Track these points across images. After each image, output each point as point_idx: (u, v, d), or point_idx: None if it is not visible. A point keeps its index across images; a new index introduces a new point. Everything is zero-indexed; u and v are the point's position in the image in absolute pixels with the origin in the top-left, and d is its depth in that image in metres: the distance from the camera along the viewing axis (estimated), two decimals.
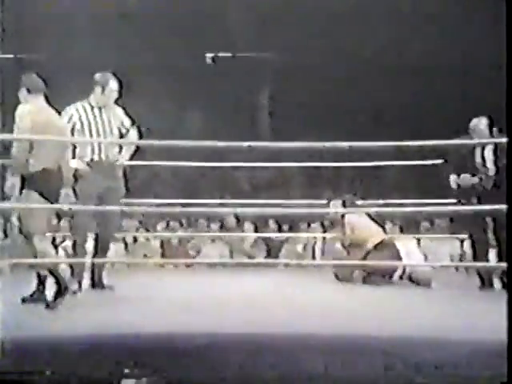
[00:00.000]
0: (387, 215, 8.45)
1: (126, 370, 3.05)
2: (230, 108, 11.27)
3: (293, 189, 10.85)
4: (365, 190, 9.30)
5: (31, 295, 4.46)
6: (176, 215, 9.46)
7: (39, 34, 9.67)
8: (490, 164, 5.33)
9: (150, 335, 3.27)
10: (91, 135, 5.25)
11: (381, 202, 6.99)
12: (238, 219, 9.27)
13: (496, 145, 5.28)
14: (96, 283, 5.27)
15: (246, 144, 4.91)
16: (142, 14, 10.09)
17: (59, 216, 8.80)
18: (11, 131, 4.37)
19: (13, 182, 4.30)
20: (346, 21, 10.05)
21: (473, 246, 5.50)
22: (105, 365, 3.07)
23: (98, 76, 5.33)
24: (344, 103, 10.75)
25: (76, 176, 5.19)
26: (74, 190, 5.06)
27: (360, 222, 6.48)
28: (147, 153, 7.46)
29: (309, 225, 9.27)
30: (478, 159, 5.39)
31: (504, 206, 3.46)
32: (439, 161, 6.89)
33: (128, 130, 5.39)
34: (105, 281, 5.29)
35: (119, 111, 5.40)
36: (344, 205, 6.55)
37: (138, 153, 5.60)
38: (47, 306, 4.14)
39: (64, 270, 6.50)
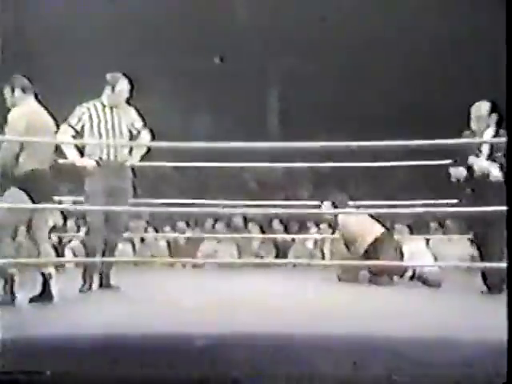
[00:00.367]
0: (396, 216, 8.42)
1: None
2: (238, 109, 11.28)
3: (301, 189, 10.86)
4: (373, 190, 9.28)
5: (39, 295, 4.47)
6: (183, 216, 9.48)
7: (48, 36, 9.70)
8: (484, 155, 5.26)
9: (155, 335, 3.27)
10: (100, 134, 5.27)
11: (389, 202, 6.95)
12: (246, 219, 9.27)
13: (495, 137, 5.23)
14: (103, 283, 5.28)
15: (254, 145, 4.93)
16: (151, 14, 10.12)
17: (65, 217, 8.85)
18: None
19: None
20: (354, 21, 10.04)
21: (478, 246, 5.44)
22: (106, 365, 3.07)
23: (108, 76, 5.36)
24: (353, 103, 10.74)
25: (85, 174, 5.26)
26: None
27: (353, 220, 6.42)
28: (155, 154, 7.49)
29: (317, 225, 9.26)
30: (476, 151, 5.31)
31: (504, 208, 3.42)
32: (448, 161, 6.86)
33: (139, 132, 5.41)
34: (112, 281, 5.30)
35: (132, 112, 5.41)
36: (334, 206, 6.51)
37: (147, 154, 5.61)
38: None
39: (71, 270, 6.56)
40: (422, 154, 6.93)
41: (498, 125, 5.24)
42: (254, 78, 11.16)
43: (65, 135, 5.27)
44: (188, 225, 9.48)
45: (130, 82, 5.39)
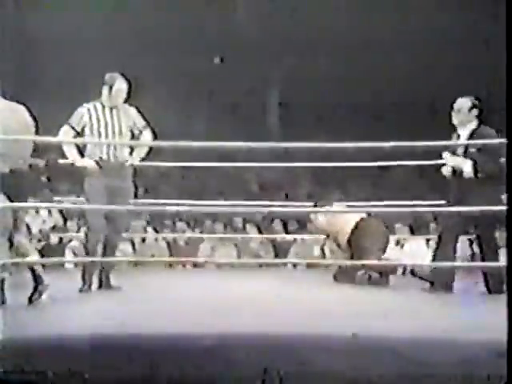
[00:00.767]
0: (397, 216, 8.43)
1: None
2: (238, 109, 11.29)
3: (301, 189, 10.85)
4: (373, 190, 9.28)
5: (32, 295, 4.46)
6: (183, 216, 9.48)
7: (48, 36, 9.71)
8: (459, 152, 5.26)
9: (156, 335, 3.26)
10: (100, 135, 5.27)
11: (389, 202, 6.95)
12: (245, 220, 9.27)
13: (474, 131, 5.23)
14: (103, 283, 5.28)
15: (252, 145, 4.93)
16: (152, 15, 10.12)
17: (65, 217, 8.87)
18: None
19: None
20: (354, 20, 10.05)
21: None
22: (106, 365, 3.07)
23: (106, 76, 5.37)
24: (353, 104, 10.75)
25: (85, 174, 5.27)
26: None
27: (324, 220, 6.43)
28: (156, 154, 7.49)
29: None
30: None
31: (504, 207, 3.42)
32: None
33: (141, 132, 5.41)
34: (112, 281, 5.30)
35: (132, 112, 5.40)
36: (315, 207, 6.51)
37: (148, 154, 5.60)
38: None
39: (71, 271, 6.57)
40: (422, 153, 6.95)
41: (479, 120, 5.26)
42: (254, 78, 11.16)
43: (66, 136, 5.28)
44: (188, 225, 9.48)
45: (129, 81, 5.39)
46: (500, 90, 3.39)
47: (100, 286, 5.26)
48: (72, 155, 5.33)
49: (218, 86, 11.05)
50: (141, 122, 5.41)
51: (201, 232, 9.17)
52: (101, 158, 5.27)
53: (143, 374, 3.04)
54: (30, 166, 4.54)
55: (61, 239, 8.33)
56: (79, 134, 5.31)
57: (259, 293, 5.24)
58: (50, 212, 8.87)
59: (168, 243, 8.95)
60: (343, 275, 6.08)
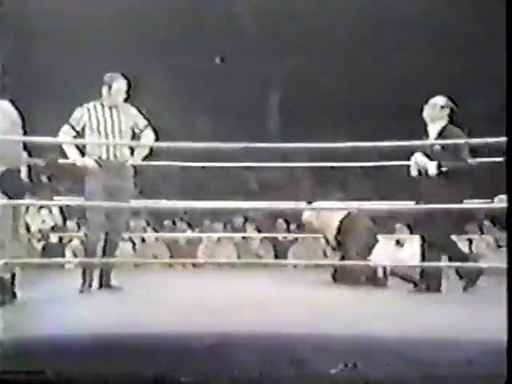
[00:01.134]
0: (398, 216, 8.43)
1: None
2: (239, 109, 11.28)
3: (302, 189, 10.84)
4: (374, 190, 9.28)
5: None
6: (184, 216, 9.48)
7: (48, 35, 9.70)
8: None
9: (156, 335, 3.27)
10: (100, 134, 5.28)
11: (388, 202, 6.95)
12: (246, 219, 9.27)
13: (443, 129, 5.27)
14: (103, 283, 5.29)
15: (254, 145, 4.93)
16: (151, 14, 10.12)
17: (65, 216, 8.87)
18: None
19: None
20: (355, 21, 10.04)
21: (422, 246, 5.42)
22: (107, 365, 3.07)
23: (105, 76, 5.38)
24: (354, 104, 10.74)
25: (85, 174, 5.28)
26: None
27: (314, 217, 6.47)
28: (156, 154, 7.49)
29: None
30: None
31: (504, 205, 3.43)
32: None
33: (142, 131, 5.41)
34: (112, 281, 5.31)
35: (133, 111, 5.42)
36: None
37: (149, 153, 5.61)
38: None
39: (71, 270, 6.56)
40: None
41: (449, 119, 5.31)
42: (255, 78, 11.16)
43: (66, 136, 5.29)
44: (189, 225, 9.48)
45: (128, 81, 5.40)
46: (500, 90, 3.40)
47: (100, 286, 5.27)
48: (72, 154, 5.34)
49: (218, 86, 11.04)
50: (142, 122, 5.41)
51: (201, 232, 9.17)
52: (100, 157, 5.28)
53: (143, 373, 3.05)
54: (29, 166, 4.55)
55: (61, 239, 8.34)
56: (79, 134, 5.32)
57: (259, 293, 5.24)
58: (50, 212, 8.88)
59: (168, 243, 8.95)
60: (342, 275, 6.07)
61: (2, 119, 4.46)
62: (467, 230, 8.80)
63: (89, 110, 5.34)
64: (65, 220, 8.93)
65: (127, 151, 5.39)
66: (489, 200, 6.57)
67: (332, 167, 6.60)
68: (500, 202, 5.68)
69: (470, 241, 8.47)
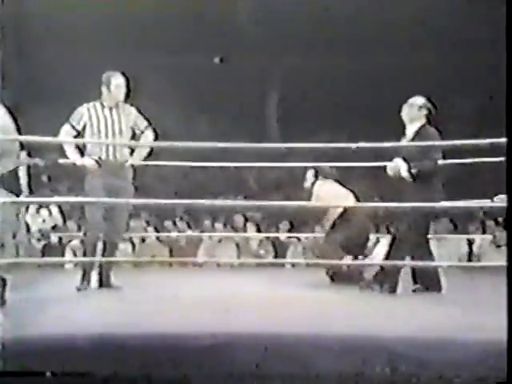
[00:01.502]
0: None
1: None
2: (238, 109, 11.28)
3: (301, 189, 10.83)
4: (373, 190, 9.28)
5: None
6: (184, 216, 9.48)
7: (48, 35, 9.70)
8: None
9: (155, 335, 3.27)
10: (100, 134, 5.29)
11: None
12: (246, 219, 9.27)
13: (420, 129, 5.25)
14: (103, 283, 5.29)
15: (254, 145, 4.95)
16: (151, 14, 10.12)
17: (65, 216, 8.87)
18: None
19: None
20: (355, 23, 10.05)
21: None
22: (106, 365, 3.07)
23: (103, 76, 5.38)
24: (353, 104, 10.74)
25: (85, 173, 5.28)
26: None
27: (327, 189, 6.27)
28: (156, 154, 7.48)
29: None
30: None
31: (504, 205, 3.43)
32: (448, 161, 6.88)
33: (143, 132, 5.42)
34: (112, 281, 5.31)
35: (133, 112, 5.41)
36: (316, 175, 6.37)
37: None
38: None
39: (71, 270, 6.57)
40: None
41: (427, 120, 5.29)
42: (254, 78, 11.16)
43: (66, 135, 5.30)
44: (189, 225, 9.48)
45: (127, 80, 5.39)
46: (500, 90, 3.40)
47: (100, 285, 5.28)
48: (72, 154, 5.34)
49: (217, 86, 11.04)
50: (142, 122, 5.42)
51: (201, 232, 9.17)
52: (100, 157, 5.29)
53: (143, 373, 3.05)
54: (29, 166, 4.55)
55: (61, 239, 8.34)
56: (80, 133, 5.33)
57: (259, 292, 5.24)
58: (50, 212, 8.88)
59: (168, 243, 8.95)
60: (339, 275, 6.06)
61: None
62: (469, 230, 8.84)
63: (89, 109, 5.34)
64: (65, 220, 8.94)
65: (127, 151, 5.39)
66: (487, 200, 6.57)
67: (331, 167, 6.53)
68: (500, 201, 5.65)
69: (470, 241, 8.47)
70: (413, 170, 5.09)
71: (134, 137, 5.43)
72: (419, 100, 5.36)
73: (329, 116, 10.80)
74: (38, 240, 8.32)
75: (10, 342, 2.98)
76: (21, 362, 2.96)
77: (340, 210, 6.13)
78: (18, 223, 4.58)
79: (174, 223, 9.43)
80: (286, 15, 10.24)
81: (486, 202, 6.25)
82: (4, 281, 4.24)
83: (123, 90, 5.35)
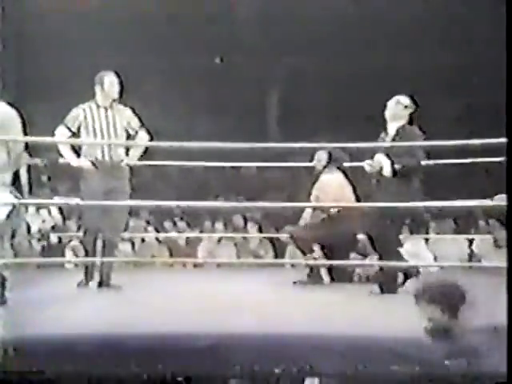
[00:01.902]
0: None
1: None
2: (238, 109, 11.28)
3: (301, 189, 10.83)
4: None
5: None
6: (183, 216, 9.47)
7: (45, 37, 9.69)
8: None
9: (155, 335, 3.27)
10: (95, 135, 5.30)
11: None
12: (246, 219, 9.26)
13: (401, 128, 5.27)
14: (103, 282, 5.30)
15: (254, 145, 4.95)
16: (151, 14, 10.11)
17: (65, 216, 8.87)
18: None
19: None
20: (355, 23, 10.04)
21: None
22: (106, 365, 3.07)
23: (96, 76, 5.39)
24: (354, 103, 10.74)
25: (81, 175, 5.29)
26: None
27: (334, 183, 6.13)
28: (156, 154, 7.48)
29: None
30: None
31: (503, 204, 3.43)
32: (449, 161, 6.88)
33: (136, 132, 5.42)
34: (112, 280, 5.31)
35: (128, 112, 5.43)
36: (330, 157, 6.18)
37: (146, 154, 5.61)
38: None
39: (71, 270, 6.57)
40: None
41: (409, 120, 5.32)
42: (254, 78, 11.16)
43: (61, 136, 5.31)
44: (189, 225, 9.48)
45: (120, 80, 5.40)
46: (500, 89, 3.40)
47: (100, 285, 5.28)
48: (68, 155, 5.36)
49: (217, 86, 11.04)
50: (136, 123, 5.43)
51: (200, 232, 9.16)
52: (96, 158, 5.30)
53: (143, 373, 3.05)
54: (29, 166, 4.56)
55: (61, 239, 8.34)
56: (75, 135, 5.34)
57: (258, 292, 5.25)
58: (49, 212, 8.88)
59: (168, 243, 8.94)
60: (337, 275, 6.04)
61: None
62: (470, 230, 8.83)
63: (84, 110, 5.36)
64: (64, 220, 8.94)
65: (122, 152, 5.41)
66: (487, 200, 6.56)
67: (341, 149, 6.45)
68: (501, 201, 5.64)
69: (471, 241, 8.47)
70: (396, 166, 5.09)
71: (128, 137, 5.45)
72: (404, 99, 5.37)
73: (329, 116, 10.80)
74: (38, 240, 8.32)
75: (10, 342, 2.98)
76: (21, 361, 2.96)
77: (334, 209, 5.99)
78: (18, 222, 4.58)
79: (174, 223, 9.42)
80: (286, 15, 10.23)
81: (486, 202, 6.26)
82: (3, 278, 4.25)
83: (117, 88, 5.36)
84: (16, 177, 4.49)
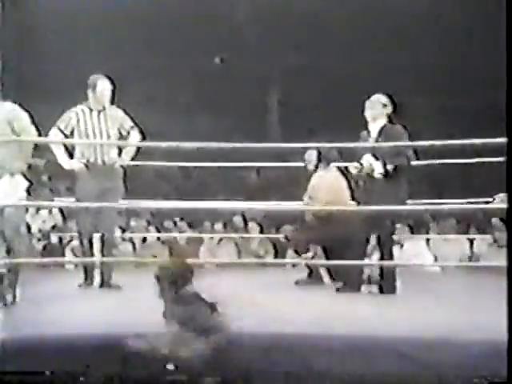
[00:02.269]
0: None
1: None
2: (238, 109, 11.29)
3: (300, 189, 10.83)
4: None
5: None
6: (183, 215, 9.47)
7: (47, 38, 9.70)
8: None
9: (155, 335, 3.26)
10: (88, 137, 5.32)
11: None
12: (246, 219, 9.26)
13: (383, 128, 5.26)
14: (104, 283, 5.30)
15: (254, 145, 4.95)
16: (151, 14, 10.12)
17: (65, 216, 8.87)
18: None
19: None
20: (355, 21, 10.05)
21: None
22: (106, 365, 3.07)
23: (89, 79, 5.40)
24: (354, 104, 10.73)
25: (74, 177, 5.32)
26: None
27: (323, 182, 6.01)
28: (156, 154, 7.48)
29: None
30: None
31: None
32: (448, 161, 6.89)
33: (128, 132, 5.44)
34: (112, 280, 5.32)
35: (120, 113, 5.45)
36: (319, 156, 6.11)
37: (146, 154, 5.62)
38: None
39: (71, 270, 6.57)
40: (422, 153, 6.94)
41: (388, 119, 5.30)
42: (254, 78, 11.17)
43: (55, 139, 5.33)
44: (190, 226, 9.47)
45: (112, 81, 5.40)
46: (500, 89, 3.40)
47: (101, 285, 5.29)
48: (61, 157, 5.37)
49: (218, 86, 11.04)
50: (128, 123, 5.45)
51: (200, 232, 9.16)
52: (89, 160, 5.32)
53: (142, 373, 3.05)
54: (30, 166, 4.57)
55: (61, 239, 8.34)
56: (68, 137, 5.36)
57: (258, 293, 5.24)
58: (50, 212, 8.88)
59: (168, 243, 8.93)
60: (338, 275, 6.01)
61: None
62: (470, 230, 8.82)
63: (77, 113, 5.38)
64: (65, 220, 8.93)
65: (115, 153, 5.42)
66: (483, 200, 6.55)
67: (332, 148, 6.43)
68: (500, 200, 5.64)
69: (471, 241, 8.45)
70: (388, 167, 5.08)
71: (121, 138, 5.46)
72: (382, 98, 5.36)
73: (329, 116, 10.80)
74: (39, 240, 8.32)
75: (10, 342, 2.98)
76: (21, 361, 2.96)
77: (325, 212, 5.84)
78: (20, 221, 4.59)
79: (174, 223, 9.42)
80: (286, 15, 10.23)
81: (486, 202, 6.25)
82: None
83: (108, 94, 5.39)
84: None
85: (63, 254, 7.87)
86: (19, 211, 4.58)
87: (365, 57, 10.36)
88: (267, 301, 4.64)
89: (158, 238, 8.90)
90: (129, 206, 6.18)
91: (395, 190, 5.05)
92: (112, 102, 5.41)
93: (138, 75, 9.75)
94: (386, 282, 5.13)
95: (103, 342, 3.16)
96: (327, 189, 5.95)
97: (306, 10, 10.07)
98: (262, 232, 9.02)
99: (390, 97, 5.38)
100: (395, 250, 8.08)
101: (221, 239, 8.77)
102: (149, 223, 9.28)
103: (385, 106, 5.32)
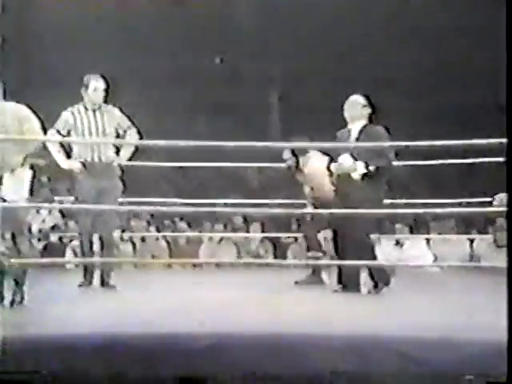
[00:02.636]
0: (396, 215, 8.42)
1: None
2: (238, 109, 11.28)
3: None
4: None
5: None
6: (183, 215, 9.47)
7: (46, 36, 9.70)
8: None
9: (155, 335, 3.26)
10: (85, 137, 5.33)
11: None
12: (246, 219, 9.26)
13: (364, 129, 5.24)
14: (103, 283, 5.30)
15: (254, 145, 4.95)
16: (151, 14, 10.12)
17: (65, 216, 8.87)
18: None
19: None
20: (353, 22, 10.05)
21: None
22: (106, 365, 3.07)
23: (84, 78, 5.41)
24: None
25: (72, 177, 5.33)
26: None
27: (319, 165, 5.93)
28: (156, 154, 7.48)
29: None
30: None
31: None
32: (448, 161, 6.90)
33: (125, 131, 5.44)
34: (112, 281, 5.32)
35: (116, 112, 5.46)
36: (294, 153, 6.14)
37: (146, 154, 5.62)
38: None
39: (72, 270, 6.57)
40: (421, 153, 6.94)
41: (369, 119, 5.30)
42: (255, 78, 11.16)
43: (52, 139, 5.33)
44: (189, 225, 9.47)
45: (106, 81, 5.42)
46: (500, 89, 3.40)
47: (101, 285, 5.30)
48: (58, 157, 5.37)
49: (217, 86, 11.04)
50: (125, 122, 5.45)
51: (200, 232, 9.16)
52: (86, 159, 5.32)
53: (142, 373, 3.05)
54: (32, 166, 4.57)
55: (61, 239, 8.35)
56: (65, 138, 5.36)
57: (259, 292, 5.24)
58: (50, 212, 8.89)
59: (168, 242, 8.93)
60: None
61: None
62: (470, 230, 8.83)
63: (73, 113, 5.39)
64: (65, 219, 8.93)
65: (113, 152, 5.42)
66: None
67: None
68: (500, 201, 5.64)
69: (471, 241, 8.46)
70: (370, 168, 5.06)
71: (118, 137, 5.47)
72: (361, 99, 5.35)
73: (329, 115, 10.79)
74: (39, 240, 8.32)
75: (10, 342, 2.97)
76: (21, 361, 2.96)
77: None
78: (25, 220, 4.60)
79: (174, 223, 9.42)
80: (286, 15, 10.23)
81: (485, 202, 6.25)
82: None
83: (102, 94, 5.40)
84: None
85: (64, 254, 7.88)
86: (24, 210, 4.58)
87: (365, 57, 10.36)
88: (267, 301, 4.67)
89: (158, 238, 8.91)
90: (129, 207, 6.18)
91: (373, 192, 5.03)
92: (105, 101, 5.42)
93: (138, 75, 9.76)
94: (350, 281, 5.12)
95: (103, 341, 3.15)
96: (322, 171, 5.84)
97: (306, 10, 10.06)
98: (263, 232, 9.02)
99: (367, 97, 5.36)
100: (395, 249, 8.14)
101: (221, 239, 8.78)
102: (149, 223, 9.28)
103: (364, 106, 5.31)
